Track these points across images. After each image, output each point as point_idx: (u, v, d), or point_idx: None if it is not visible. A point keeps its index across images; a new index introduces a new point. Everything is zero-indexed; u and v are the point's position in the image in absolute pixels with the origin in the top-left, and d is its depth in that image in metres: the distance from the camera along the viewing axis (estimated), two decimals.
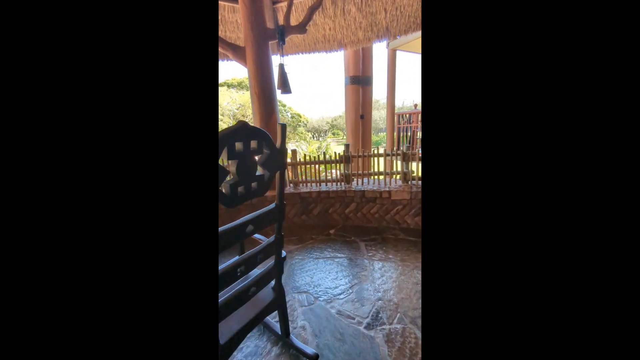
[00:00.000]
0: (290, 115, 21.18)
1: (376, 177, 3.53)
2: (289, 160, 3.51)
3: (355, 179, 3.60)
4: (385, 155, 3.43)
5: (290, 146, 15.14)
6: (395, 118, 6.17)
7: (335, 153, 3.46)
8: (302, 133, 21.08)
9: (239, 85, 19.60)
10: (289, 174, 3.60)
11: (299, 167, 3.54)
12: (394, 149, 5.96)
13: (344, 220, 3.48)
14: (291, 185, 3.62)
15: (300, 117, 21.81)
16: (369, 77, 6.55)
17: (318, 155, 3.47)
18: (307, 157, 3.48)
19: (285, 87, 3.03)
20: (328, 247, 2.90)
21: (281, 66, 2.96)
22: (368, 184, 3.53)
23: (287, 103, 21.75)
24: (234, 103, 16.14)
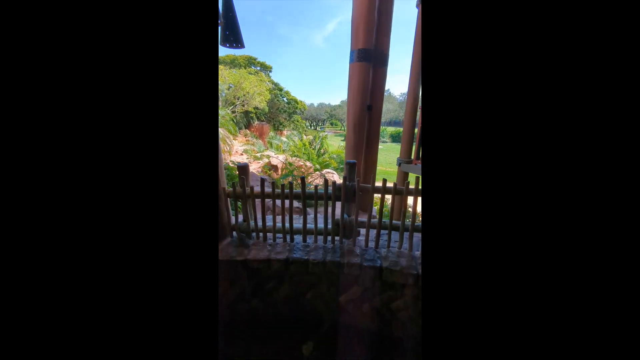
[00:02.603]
0: (286, 101, 19.02)
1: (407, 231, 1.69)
2: (229, 189, 1.65)
3: (362, 232, 1.77)
4: (418, 189, 1.60)
5: (283, 137, 13.10)
6: (418, 113, 4.28)
7: (327, 184, 1.60)
8: (297, 121, 19.02)
9: (232, 63, 17.23)
10: (227, 210, 1.74)
11: (249, 202, 1.68)
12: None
13: (334, 314, 1.68)
14: (234, 236, 1.77)
15: (298, 103, 19.65)
16: (384, 52, 4.58)
17: (289, 180, 1.61)
18: (284, 184, 1.62)
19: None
20: None
21: None
22: (388, 247, 1.70)
23: (285, 86, 19.61)
24: (223, 82, 13.81)
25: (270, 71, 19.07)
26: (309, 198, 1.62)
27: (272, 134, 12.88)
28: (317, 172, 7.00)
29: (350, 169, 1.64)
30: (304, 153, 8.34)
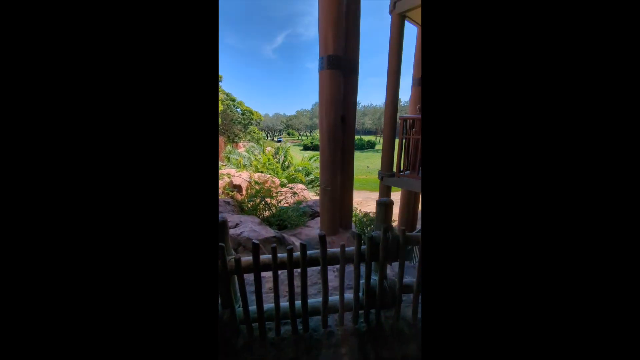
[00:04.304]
0: (240, 112, 17.85)
1: None
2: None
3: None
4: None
5: (242, 150, 12.02)
6: (398, 124, 4.02)
7: (360, 239, 1.04)
8: (254, 132, 17.97)
9: None
10: None
11: (233, 279, 1.02)
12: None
13: None
14: None
15: (253, 114, 18.62)
16: (354, 59, 4.27)
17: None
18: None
19: None
20: None
21: None
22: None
23: (238, 97, 18.45)
24: None
25: (221, 81, 17.72)
26: (331, 262, 1.04)
27: (229, 147, 11.72)
28: (286, 189, 6.33)
29: (384, 212, 1.11)
30: (268, 168, 7.58)
